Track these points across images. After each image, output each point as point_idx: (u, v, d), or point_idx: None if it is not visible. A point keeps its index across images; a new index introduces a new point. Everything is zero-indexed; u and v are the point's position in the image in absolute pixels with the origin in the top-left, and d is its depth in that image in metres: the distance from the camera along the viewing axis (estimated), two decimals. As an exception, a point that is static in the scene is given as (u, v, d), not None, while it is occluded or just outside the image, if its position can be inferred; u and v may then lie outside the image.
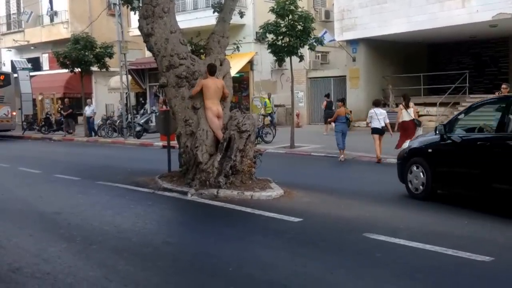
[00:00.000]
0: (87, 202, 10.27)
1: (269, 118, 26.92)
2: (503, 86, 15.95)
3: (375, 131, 16.07)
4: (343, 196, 10.72)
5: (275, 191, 10.56)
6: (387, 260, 6.39)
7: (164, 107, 21.34)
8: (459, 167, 9.30)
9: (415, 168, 10.14)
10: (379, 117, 16.14)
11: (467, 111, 9.97)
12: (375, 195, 10.78)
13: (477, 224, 8.20)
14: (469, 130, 9.77)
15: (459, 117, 9.93)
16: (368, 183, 12.52)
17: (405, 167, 10.44)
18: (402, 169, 10.61)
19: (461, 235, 7.54)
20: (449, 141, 9.54)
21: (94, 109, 29.57)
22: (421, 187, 10.01)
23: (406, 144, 12.32)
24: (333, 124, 17.33)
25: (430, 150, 9.94)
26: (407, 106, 16.02)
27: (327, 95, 27.40)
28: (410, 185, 10.29)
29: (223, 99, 11.61)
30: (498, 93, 16.01)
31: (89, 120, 28.79)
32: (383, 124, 16.04)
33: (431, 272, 5.91)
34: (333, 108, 25.92)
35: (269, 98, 27.96)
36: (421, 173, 9.98)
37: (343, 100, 18.04)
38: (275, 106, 29.99)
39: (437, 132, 9.83)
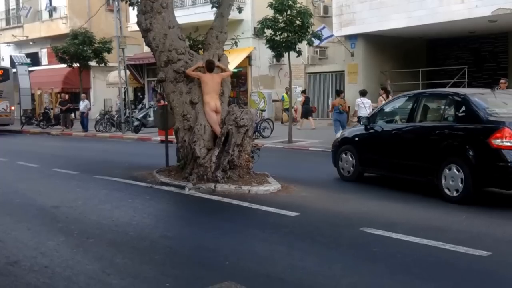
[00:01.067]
0: (85, 196, 10.29)
1: (287, 113, 25.79)
2: (502, 81, 15.98)
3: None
4: (340, 191, 10.74)
5: (272, 186, 10.58)
6: (384, 254, 6.42)
7: (162, 102, 21.35)
8: (379, 152, 11.14)
9: (344, 155, 11.93)
10: (366, 105, 17.50)
11: (388, 105, 11.98)
12: (372, 190, 10.81)
13: (474, 218, 8.25)
14: (387, 122, 11.49)
15: (381, 110, 11.88)
16: (366, 178, 12.54)
17: (337, 153, 12.20)
18: (335, 155, 12.34)
19: (459, 229, 7.58)
20: (371, 130, 11.42)
21: (88, 104, 29.52)
22: (351, 168, 11.74)
23: (339, 134, 13.34)
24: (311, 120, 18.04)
25: (357, 139, 11.82)
26: (387, 98, 16.78)
27: (304, 91, 27.44)
28: (342, 170, 12.03)
29: (222, 71, 11.60)
30: (496, 88, 15.98)
31: (82, 115, 28.76)
32: (369, 111, 16.67)
33: (428, 266, 5.93)
34: (310, 104, 26.54)
35: (287, 93, 26.62)
36: (350, 158, 11.75)
37: (337, 92, 19.63)
38: (273, 101, 30.00)
39: (361, 123, 11.82)
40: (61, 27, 38.64)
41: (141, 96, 37.23)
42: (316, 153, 17.77)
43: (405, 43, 28.02)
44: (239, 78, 31.63)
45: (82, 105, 28.93)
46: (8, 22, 44.25)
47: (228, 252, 6.52)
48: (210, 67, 11.48)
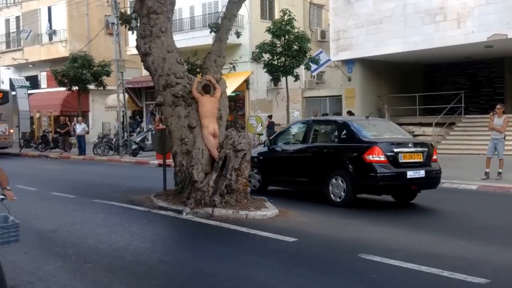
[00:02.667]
0: (82, 220, 10.27)
1: None
2: (498, 106, 16.03)
3: None
4: (338, 217, 10.72)
5: (270, 211, 10.58)
6: (382, 281, 6.40)
7: (161, 125, 21.40)
8: (280, 168, 13.29)
9: (251, 171, 12.64)
10: None
11: (286, 130, 14.37)
12: (369, 214, 10.81)
13: (472, 245, 8.24)
14: (286, 143, 13.74)
15: (280, 133, 14.29)
16: (367, 202, 12.54)
17: None
18: None
19: (457, 256, 7.55)
20: (273, 150, 13.61)
21: (85, 127, 29.55)
22: (258, 183, 13.60)
23: None
24: None
25: (261, 157, 13.77)
26: None
27: (270, 116, 27.54)
28: (250, 183, 12.91)
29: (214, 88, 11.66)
30: (492, 113, 16.08)
31: (80, 139, 28.76)
32: None
33: (425, 292, 5.92)
34: (274, 128, 26.23)
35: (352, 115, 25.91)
36: (256, 174, 13.49)
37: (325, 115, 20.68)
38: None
39: (265, 145, 14.16)
40: (61, 51, 38.88)
41: (139, 120, 37.30)
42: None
43: (402, 68, 28.21)
44: (237, 102, 31.76)
45: (80, 128, 28.96)
46: (8, 45, 44.49)
47: (226, 278, 6.51)
48: (207, 89, 11.57)
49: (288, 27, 19.19)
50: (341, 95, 28.57)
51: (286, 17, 19.46)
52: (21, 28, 41.78)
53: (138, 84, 34.68)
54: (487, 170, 15.49)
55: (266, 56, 19.78)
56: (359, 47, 26.29)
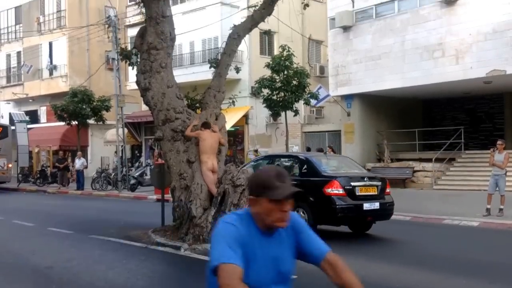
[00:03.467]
0: (79, 256, 10.15)
1: None
2: (499, 142, 16.00)
3: None
4: (337, 253, 10.56)
5: (269, 247, 10.42)
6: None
7: (160, 160, 21.34)
8: None
9: None
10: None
11: (252, 164, 14.35)
12: (369, 250, 10.68)
13: (475, 283, 8.12)
14: None
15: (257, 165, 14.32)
16: (363, 239, 12.43)
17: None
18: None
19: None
20: None
21: (84, 162, 29.49)
22: None
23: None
24: None
25: None
26: None
27: (256, 150, 27.66)
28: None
29: (220, 145, 11.59)
30: (493, 149, 16.05)
31: (78, 174, 28.67)
32: None
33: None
34: None
35: (333, 150, 25.35)
36: None
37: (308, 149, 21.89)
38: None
39: None
40: (61, 85, 39.05)
41: (138, 154, 37.27)
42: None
43: (401, 103, 28.32)
44: (236, 136, 31.76)
45: (78, 163, 28.89)
46: (9, 80, 44.72)
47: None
48: (206, 126, 11.57)
49: (287, 63, 19.30)
50: (340, 130, 28.61)
51: (285, 53, 19.59)
52: (22, 63, 42.05)
53: (137, 118, 34.74)
54: (488, 206, 15.37)
55: (266, 91, 19.85)
56: (358, 82, 26.45)
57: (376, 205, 12.13)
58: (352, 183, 12.00)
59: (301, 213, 11.88)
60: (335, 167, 13.07)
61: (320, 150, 21.15)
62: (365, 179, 12.43)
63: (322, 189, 11.80)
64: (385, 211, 12.55)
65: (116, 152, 30.17)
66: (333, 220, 12.21)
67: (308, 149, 23.25)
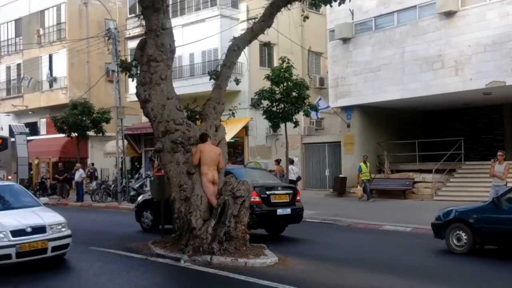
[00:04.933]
0: (79, 268, 10.10)
1: (364, 185, 24.52)
2: (499, 153, 16.02)
3: (292, 182, 21.95)
4: (339, 264, 10.57)
5: (269, 258, 10.42)
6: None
7: (161, 171, 21.29)
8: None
9: (145, 212, 16.19)
10: (294, 172, 23.35)
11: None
12: (371, 263, 10.64)
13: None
14: None
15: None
16: (367, 251, 12.39)
17: (140, 212, 16.44)
18: (138, 212, 16.57)
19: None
20: None
21: (83, 174, 29.46)
22: (151, 222, 15.89)
23: (140, 197, 17.72)
24: None
25: (155, 200, 15.05)
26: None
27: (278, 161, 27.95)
28: (143, 223, 16.17)
29: (218, 170, 11.58)
30: (494, 160, 16.05)
31: (78, 185, 28.63)
32: (296, 177, 23.50)
33: None
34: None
35: (365, 162, 24.88)
36: (150, 215, 15.95)
37: (277, 160, 24.29)
38: (270, 171, 29.91)
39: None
40: (61, 97, 39.07)
41: (138, 166, 37.24)
42: (313, 224, 17.60)
43: (400, 114, 28.34)
44: (236, 148, 31.76)
45: (77, 175, 28.86)
46: (8, 92, 44.75)
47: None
48: (202, 139, 11.55)
49: (286, 74, 19.32)
50: (340, 142, 28.61)
51: (285, 65, 19.62)
52: (22, 76, 42.10)
53: (137, 130, 34.74)
54: (489, 217, 15.32)
55: (265, 103, 19.87)
56: (357, 94, 26.49)
57: (288, 210, 13.91)
58: (268, 192, 13.71)
59: None
60: (253, 178, 13.77)
61: (291, 161, 24.01)
62: (279, 188, 14.27)
63: None
64: (296, 216, 14.40)
65: (116, 164, 30.15)
66: (252, 224, 12.89)
67: (292, 161, 24.44)
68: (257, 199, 13.39)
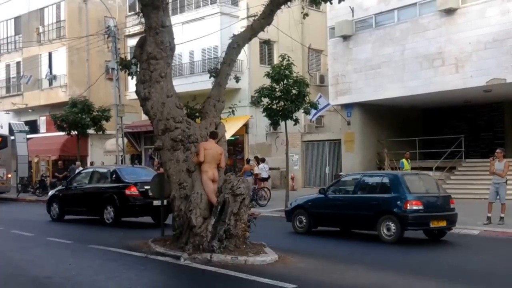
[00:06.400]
0: (79, 266, 10.08)
1: None
2: (498, 151, 15.99)
3: (263, 179, 24.27)
4: (338, 262, 10.56)
5: (269, 256, 10.41)
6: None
7: (161, 169, 21.29)
8: (72, 201, 18.09)
9: (54, 204, 18.40)
10: (265, 169, 24.57)
11: (78, 174, 20.01)
12: (370, 260, 10.64)
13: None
14: (78, 183, 18.53)
15: (75, 176, 19.76)
16: (364, 248, 12.38)
17: (50, 204, 18.74)
18: (48, 205, 18.79)
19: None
20: (69, 188, 18.49)
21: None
22: (57, 214, 18.27)
23: (50, 192, 20.42)
24: None
25: (61, 194, 18.59)
26: (258, 164, 24.47)
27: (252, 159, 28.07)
28: (52, 214, 18.51)
29: (218, 168, 11.56)
30: (492, 158, 16.04)
31: None
32: (268, 174, 25.08)
33: None
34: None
35: (407, 159, 23.97)
36: (57, 207, 18.29)
37: (247, 160, 25.53)
38: (270, 169, 29.93)
39: (68, 185, 18.66)
40: (61, 95, 39.05)
41: (137, 164, 37.22)
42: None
43: (401, 112, 28.31)
44: (236, 146, 31.75)
45: (77, 172, 28.79)
46: (8, 90, 44.72)
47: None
48: (214, 136, 11.58)
49: (287, 72, 19.26)
50: (340, 139, 28.59)
51: (285, 62, 19.55)
52: (21, 74, 42.06)
53: (137, 128, 34.73)
54: (489, 214, 15.35)
55: (265, 100, 19.82)
56: (358, 91, 26.46)
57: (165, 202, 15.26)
58: (145, 187, 15.84)
59: (110, 209, 16.47)
60: (136, 176, 17.26)
61: (262, 160, 25.23)
62: None
63: (124, 192, 16.29)
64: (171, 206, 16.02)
65: (116, 162, 30.14)
66: (132, 213, 16.88)
67: (263, 160, 25.42)
68: (136, 192, 16.20)
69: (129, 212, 16.72)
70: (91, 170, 19.33)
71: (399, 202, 12.72)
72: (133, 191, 16.21)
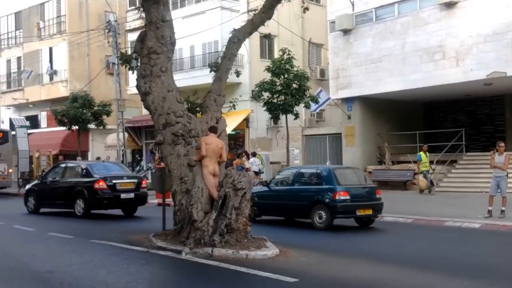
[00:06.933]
0: (80, 261, 10.10)
1: (425, 176, 22.96)
2: (501, 144, 15.99)
3: (255, 173, 22.96)
4: (339, 256, 10.58)
5: (270, 250, 10.42)
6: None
7: (162, 164, 21.30)
8: (46, 195, 18.95)
9: (30, 198, 19.45)
10: (256, 163, 23.96)
11: (52, 168, 20.94)
12: (372, 254, 10.66)
13: (476, 285, 8.10)
14: (53, 178, 19.26)
15: (49, 171, 20.78)
16: (368, 242, 12.40)
17: (27, 197, 19.71)
18: (25, 198, 19.80)
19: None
20: (44, 183, 19.30)
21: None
22: (33, 207, 19.24)
23: (28, 185, 21.50)
24: None
25: (36, 188, 19.59)
26: (248, 158, 23.51)
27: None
28: (28, 207, 19.44)
29: (219, 162, 11.56)
30: (493, 152, 16.03)
31: None
32: (259, 168, 24.21)
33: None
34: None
35: (424, 152, 23.40)
36: (33, 200, 19.26)
37: (238, 155, 24.01)
38: (271, 163, 29.92)
39: (43, 180, 19.65)
40: (61, 90, 39.05)
41: (138, 158, 37.26)
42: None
43: (401, 106, 28.28)
44: (237, 140, 31.74)
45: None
46: (9, 85, 44.73)
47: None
48: (214, 130, 11.58)
49: (287, 66, 19.27)
50: (341, 133, 28.58)
51: (285, 56, 19.58)
52: (22, 69, 42.06)
53: (138, 123, 34.73)
54: (490, 208, 15.36)
55: (266, 95, 19.84)
56: (358, 85, 26.43)
57: (131, 195, 17.74)
58: (114, 181, 17.47)
59: (81, 202, 17.46)
60: (106, 171, 18.44)
61: (253, 154, 25.11)
62: (124, 178, 18.13)
63: (93, 185, 17.22)
64: (139, 200, 18.17)
65: (117, 156, 30.16)
66: (100, 206, 17.87)
67: (254, 154, 25.62)
68: (104, 186, 17.27)
69: (98, 205, 17.71)
70: (63, 165, 20.31)
71: (329, 193, 14.11)
72: (102, 185, 17.27)
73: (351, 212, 14.22)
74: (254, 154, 25.28)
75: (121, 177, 18.12)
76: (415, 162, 24.20)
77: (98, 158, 33.06)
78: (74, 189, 17.86)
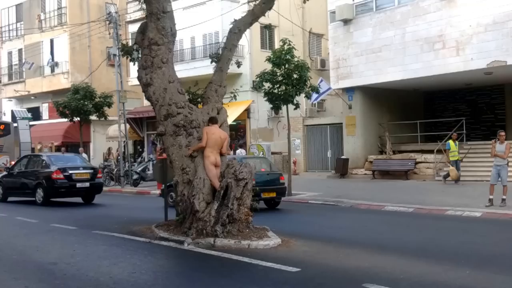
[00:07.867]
0: (83, 252, 10.18)
1: (455, 166, 22.00)
2: (501, 133, 16.01)
3: None
4: (341, 245, 10.64)
5: (272, 240, 10.49)
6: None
7: (164, 155, 21.37)
8: (12, 185, 20.79)
9: None
10: (243, 153, 24.87)
11: (19, 160, 22.50)
12: (374, 243, 10.72)
13: (478, 274, 8.15)
14: (19, 169, 20.93)
15: (17, 162, 22.31)
16: (370, 231, 12.47)
17: None
18: None
19: (463, 285, 7.47)
20: (11, 174, 21.14)
21: (86, 157, 29.48)
22: (1, 196, 21.11)
23: None
24: None
25: (4, 178, 21.25)
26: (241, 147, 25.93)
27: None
28: None
29: (221, 154, 11.59)
30: (495, 140, 16.05)
31: None
32: None
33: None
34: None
35: (454, 140, 22.45)
36: (1, 190, 21.15)
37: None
38: (272, 153, 29.96)
39: (10, 171, 21.46)
40: (63, 82, 39.08)
41: (140, 150, 37.32)
42: (315, 206, 17.70)
43: (402, 95, 28.29)
44: (238, 131, 31.80)
45: (80, 159, 28.88)
46: (10, 77, 44.75)
47: (228, 309, 6.41)
48: (213, 121, 11.61)
49: (288, 56, 19.24)
50: (342, 123, 28.62)
51: (286, 47, 19.52)
52: (23, 61, 42.07)
53: (139, 114, 34.79)
54: (491, 196, 15.42)
55: (267, 85, 19.82)
56: (359, 75, 26.44)
57: (87, 184, 19.46)
58: (70, 171, 19.19)
59: (40, 191, 19.10)
60: (64, 162, 20.08)
61: (240, 145, 26.69)
62: (80, 169, 19.83)
63: (50, 176, 18.92)
64: (95, 188, 19.90)
65: (118, 147, 30.19)
66: (58, 194, 19.48)
67: (240, 146, 27.17)
68: (61, 176, 18.93)
69: (55, 194, 19.35)
70: (28, 158, 21.81)
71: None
72: (58, 175, 18.91)
73: (257, 195, 14.37)
74: (240, 146, 26.20)
75: (77, 168, 19.82)
76: (444, 151, 23.14)
77: (110, 149, 33.13)
78: (35, 179, 19.63)
